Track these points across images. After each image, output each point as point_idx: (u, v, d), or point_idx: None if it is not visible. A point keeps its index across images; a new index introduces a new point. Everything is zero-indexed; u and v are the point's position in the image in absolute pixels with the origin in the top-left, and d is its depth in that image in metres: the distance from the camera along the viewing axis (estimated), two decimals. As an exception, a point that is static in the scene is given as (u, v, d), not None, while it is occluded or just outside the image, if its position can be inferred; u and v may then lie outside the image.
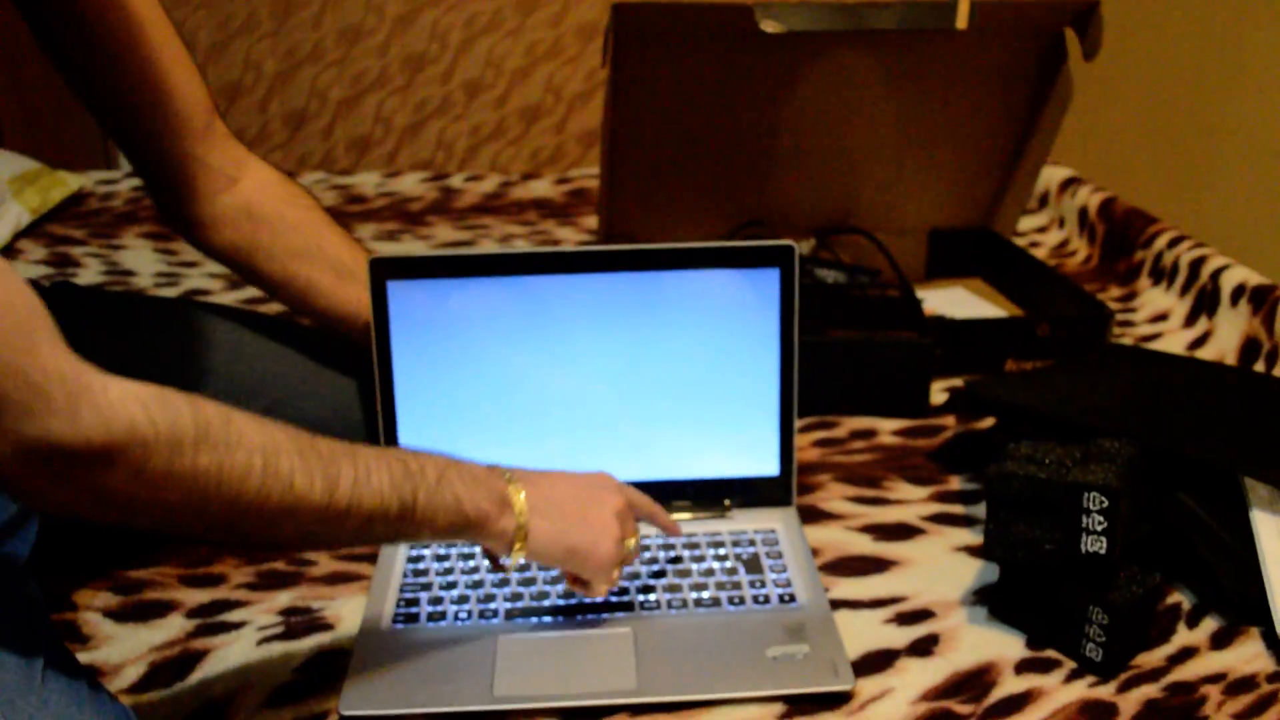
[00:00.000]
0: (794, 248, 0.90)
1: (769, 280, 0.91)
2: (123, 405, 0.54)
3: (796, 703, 0.75)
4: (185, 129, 0.88)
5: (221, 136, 0.91)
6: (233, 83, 2.48)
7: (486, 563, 0.87)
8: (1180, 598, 0.86)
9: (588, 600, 0.83)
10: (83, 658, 0.80)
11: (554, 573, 0.85)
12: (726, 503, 0.94)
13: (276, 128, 2.52)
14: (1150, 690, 0.76)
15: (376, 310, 0.89)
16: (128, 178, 1.90)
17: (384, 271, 0.89)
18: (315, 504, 0.62)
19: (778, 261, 0.90)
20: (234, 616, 0.84)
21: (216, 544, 0.62)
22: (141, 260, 1.56)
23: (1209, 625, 0.83)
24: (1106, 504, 0.74)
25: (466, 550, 0.89)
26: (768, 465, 0.94)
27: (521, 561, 0.75)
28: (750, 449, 0.93)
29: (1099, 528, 0.75)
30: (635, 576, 0.85)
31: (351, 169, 2.53)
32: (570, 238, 1.67)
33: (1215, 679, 0.77)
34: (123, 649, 0.81)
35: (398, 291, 0.89)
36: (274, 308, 1.40)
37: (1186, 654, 0.80)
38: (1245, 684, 0.77)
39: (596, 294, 0.90)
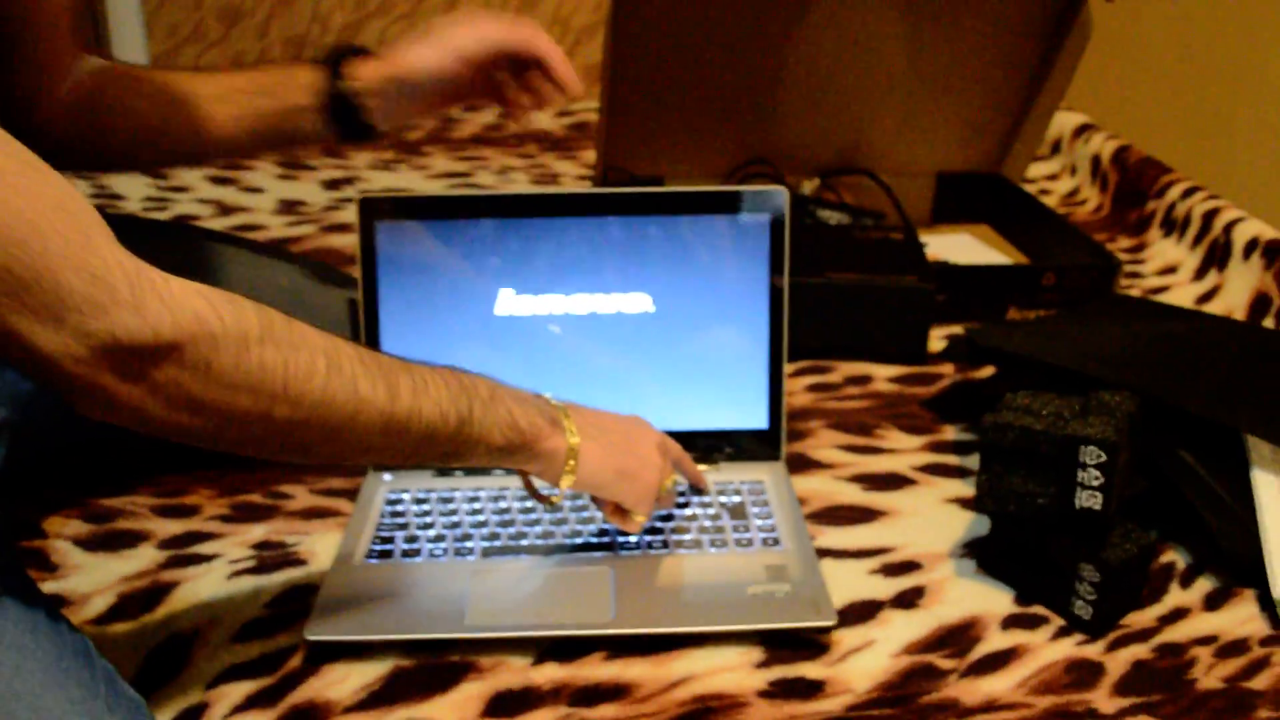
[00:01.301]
0: (784, 194, 0.87)
1: (760, 227, 0.88)
2: (186, 298, 0.53)
3: (776, 646, 0.73)
4: (40, 44, 0.83)
5: (74, 49, 0.86)
6: (233, 6, 2.42)
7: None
8: (1175, 556, 0.84)
9: (566, 541, 0.81)
10: (50, 587, 0.78)
11: (533, 515, 0.84)
12: (715, 455, 0.91)
13: (277, 53, 2.46)
14: (1139, 650, 0.74)
15: (364, 251, 0.87)
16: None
17: (373, 212, 0.87)
18: (379, 409, 0.61)
19: (769, 208, 0.87)
20: (206, 549, 0.83)
21: (280, 462, 0.61)
22: (130, 185, 1.52)
23: (1203, 586, 0.81)
24: (1104, 459, 0.72)
25: (445, 494, 0.87)
26: (756, 418, 0.91)
27: (568, 491, 0.72)
28: (739, 401, 0.91)
29: (1095, 483, 0.73)
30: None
31: (352, 97, 2.48)
32: (569, 172, 1.64)
33: (1206, 641, 0.75)
34: (91, 579, 0.79)
35: (386, 232, 0.87)
36: (255, 236, 1.37)
37: (1178, 614, 0.78)
38: (1236, 647, 0.74)
39: (585, 238, 0.88)
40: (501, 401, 0.68)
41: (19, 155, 0.50)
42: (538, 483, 0.75)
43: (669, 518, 0.84)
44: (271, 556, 0.82)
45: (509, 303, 0.89)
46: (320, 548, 0.83)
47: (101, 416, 0.54)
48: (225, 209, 1.45)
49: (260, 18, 2.43)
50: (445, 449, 0.66)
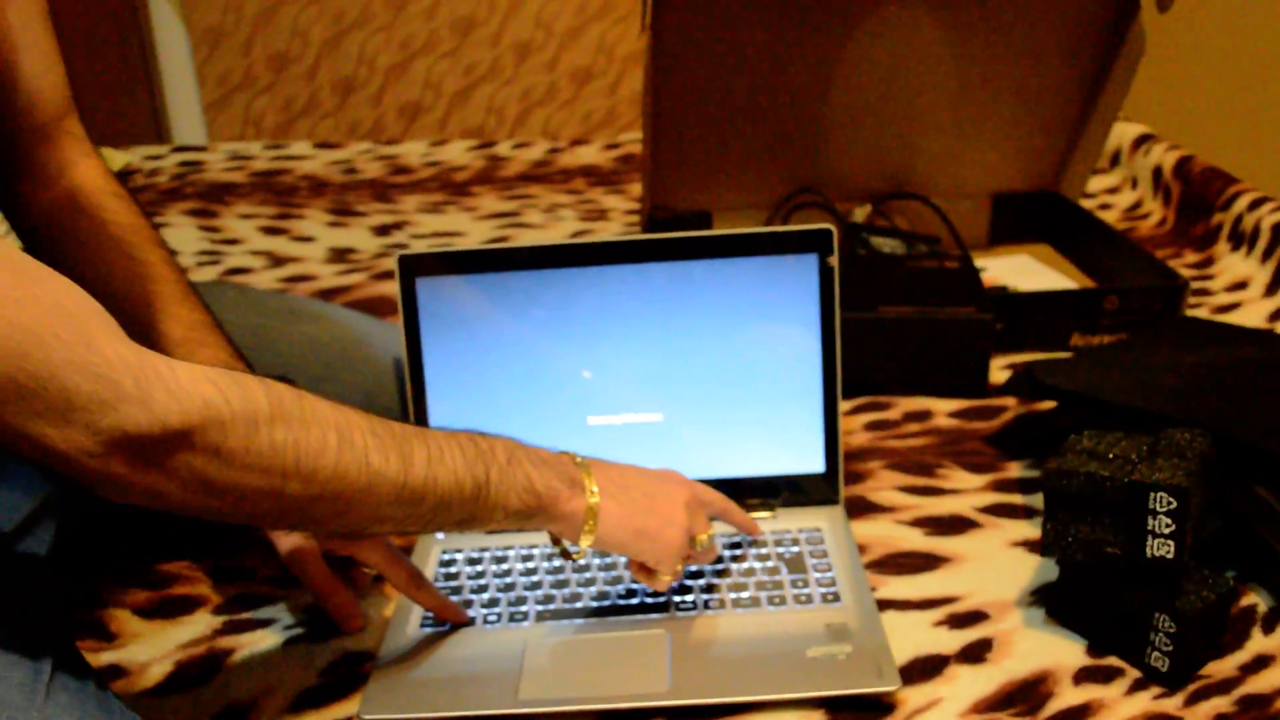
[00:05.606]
0: (831, 232, 0.85)
1: (807, 267, 0.86)
2: (193, 385, 0.53)
3: (838, 709, 0.71)
4: (25, 123, 0.81)
5: (66, 138, 0.84)
6: (280, 51, 2.46)
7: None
8: (1256, 599, 0.80)
9: (621, 602, 0.79)
10: (109, 657, 0.78)
11: (588, 574, 0.82)
12: (770, 502, 0.89)
13: (325, 96, 2.50)
14: (1221, 703, 0.71)
15: (406, 307, 0.87)
16: (174, 153, 1.90)
17: (413, 268, 0.86)
18: (392, 481, 0.61)
19: (816, 247, 0.85)
20: (261, 614, 0.82)
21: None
22: (184, 238, 1.54)
23: (1288, 630, 0.77)
24: (1174, 505, 0.69)
25: (499, 553, 0.86)
26: (812, 462, 0.89)
27: (589, 550, 0.71)
28: (794, 445, 0.89)
29: (1166, 530, 0.69)
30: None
31: (401, 137, 2.50)
32: (617, 206, 1.63)
33: (1294, 690, 0.72)
34: (149, 648, 0.80)
35: (427, 288, 0.86)
36: (307, 287, 1.38)
37: (1261, 662, 0.74)
38: (1327, 696, 0.71)
39: (628, 286, 0.87)
40: (520, 465, 0.67)
41: (12, 262, 0.50)
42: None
43: (725, 573, 0.82)
44: (325, 621, 0.81)
45: (554, 352, 0.88)
46: (374, 613, 0.82)
47: (122, 501, 0.54)
48: (277, 260, 1.47)
49: (308, 62, 2.47)
50: (462, 515, 0.66)
